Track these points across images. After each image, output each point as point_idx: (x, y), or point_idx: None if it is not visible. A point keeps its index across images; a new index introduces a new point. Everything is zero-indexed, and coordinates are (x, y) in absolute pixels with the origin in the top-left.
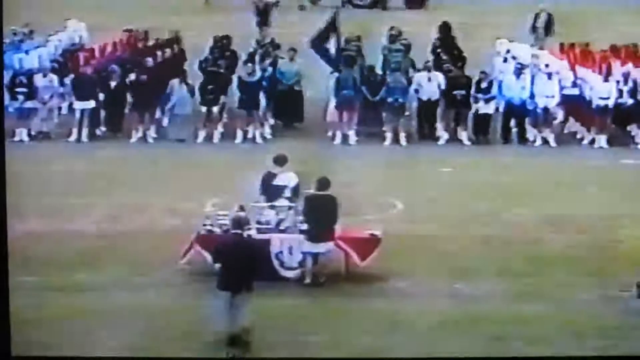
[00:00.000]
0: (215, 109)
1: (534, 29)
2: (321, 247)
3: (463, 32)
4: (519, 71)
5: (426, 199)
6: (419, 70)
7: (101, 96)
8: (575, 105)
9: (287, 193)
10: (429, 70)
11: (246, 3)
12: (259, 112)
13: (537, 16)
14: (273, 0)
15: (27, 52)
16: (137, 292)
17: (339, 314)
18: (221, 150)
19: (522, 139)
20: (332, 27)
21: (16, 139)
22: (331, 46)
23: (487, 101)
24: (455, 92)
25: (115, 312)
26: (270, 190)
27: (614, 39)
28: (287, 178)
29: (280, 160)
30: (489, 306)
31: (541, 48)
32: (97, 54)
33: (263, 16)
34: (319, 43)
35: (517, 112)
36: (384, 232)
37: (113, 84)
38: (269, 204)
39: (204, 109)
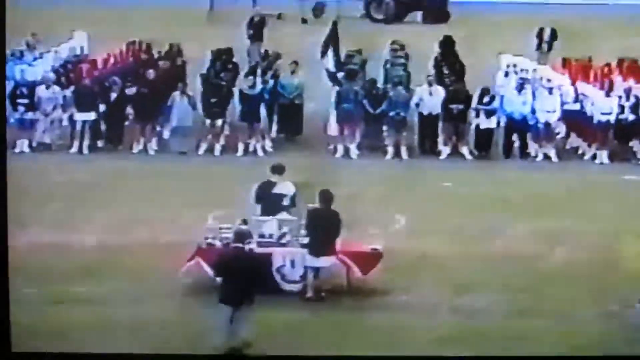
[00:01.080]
0: (216, 121)
1: (538, 43)
2: (323, 262)
3: (465, 46)
4: (520, 86)
5: (427, 214)
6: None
7: (102, 108)
8: (577, 120)
9: (286, 202)
10: (431, 84)
11: (248, 15)
12: (260, 125)
13: (541, 31)
14: (275, 13)
15: (29, 63)
16: (137, 304)
17: (340, 328)
18: (222, 163)
19: (524, 153)
20: (331, 39)
21: (17, 150)
22: (330, 59)
23: (488, 116)
24: (452, 106)
25: (115, 324)
26: (269, 199)
27: (616, 54)
28: (285, 187)
29: (278, 169)
30: (490, 321)
31: (543, 63)
32: (98, 65)
33: (256, 30)
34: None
35: (518, 126)
36: (385, 246)
37: (114, 95)
38: (269, 216)
39: (207, 121)
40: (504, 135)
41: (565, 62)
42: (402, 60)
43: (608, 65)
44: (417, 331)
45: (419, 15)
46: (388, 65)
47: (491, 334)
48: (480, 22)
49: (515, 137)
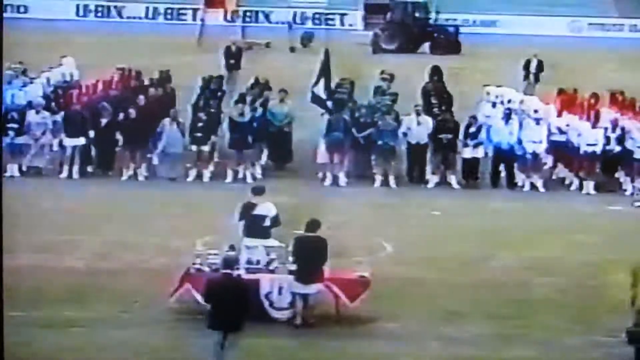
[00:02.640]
0: (205, 148)
1: (525, 75)
2: (311, 289)
3: (453, 76)
4: (507, 116)
5: (415, 242)
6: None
7: (92, 133)
8: (564, 151)
9: (267, 222)
10: (419, 114)
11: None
12: (249, 152)
13: (528, 62)
14: (264, 42)
15: (20, 88)
16: (126, 329)
17: (328, 355)
18: (211, 189)
19: (511, 183)
20: (324, 69)
21: (7, 174)
22: (321, 88)
23: (475, 146)
24: (441, 136)
25: (104, 349)
26: (250, 220)
27: (603, 86)
28: (266, 208)
29: (258, 191)
30: (477, 349)
31: (530, 94)
32: (88, 91)
33: (234, 59)
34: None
35: (505, 157)
36: (373, 274)
37: (104, 121)
38: (251, 237)
39: (194, 147)
40: (492, 165)
41: (552, 93)
42: (391, 90)
43: (594, 96)
44: (404, 359)
45: (427, 46)
46: (377, 95)
47: None
48: (469, 53)
49: (502, 167)
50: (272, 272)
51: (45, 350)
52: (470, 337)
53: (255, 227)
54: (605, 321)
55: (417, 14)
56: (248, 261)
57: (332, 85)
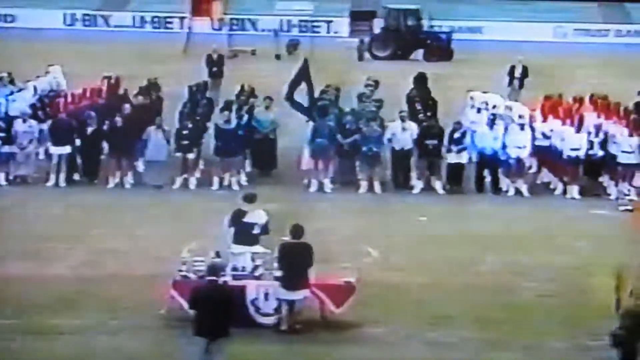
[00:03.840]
0: (190, 155)
1: (510, 80)
2: (296, 295)
3: (438, 82)
4: (492, 122)
5: (400, 247)
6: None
7: (78, 142)
8: (548, 156)
9: (257, 230)
10: (403, 120)
11: (224, 51)
12: (235, 159)
13: (512, 68)
14: (249, 49)
15: (6, 97)
16: (113, 336)
17: None
18: (197, 196)
19: (496, 189)
20: (302, 76)
21: None
22: (304, 95)
23: (459, 151)
24: (427, 142)
25: (92, 356)
26: (241, 227)
27: (587, 91)
28: (257, 216)
29: (249, 198)
30: (462, 353)
31: (515, 99)
32: (74, 99)
33: (217, 67)
34: (292, 96)
35: (490, 162)
36: (358, 279)
37: (89, 129)
38: (241, 244)
39: (180, 155)
40: (476, 170)
41: (537, 99)
42: (376, 96)
43: (578, 101)
44: None
45: (420, 53)
46: (361, 101)
47: None
48: (455, 59)
49: (486, 172)
50: (257, 278)
51: (34, 358)
52: (457, 342)
53: (244, 234)
54: (590, 325)
55: (409, 22)
56: (234, 268)
57: (316, 92)
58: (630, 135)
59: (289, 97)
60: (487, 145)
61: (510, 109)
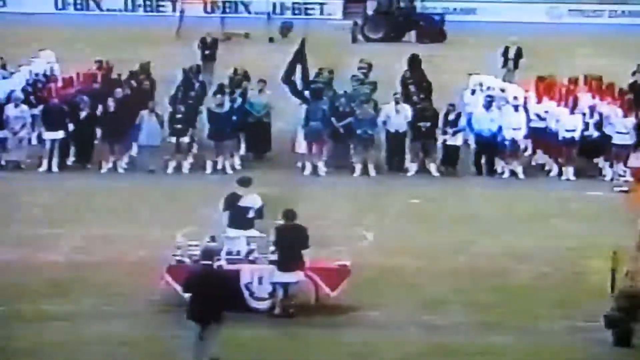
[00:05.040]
0: (184, 139)
1: (504, 61)
2: (291, 277)
3: (432, 64)
4: (488, 104)
5: (395, 230)
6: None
7: (71, 127)
8: (543, 137)
9: (252, 214)
10: (397, 103)
11: (217, 34)
12: (228, 143)
13: (507, 49)
14: (242, 32)
15: None
16: (106, 322)
17: (309, 344)
18: (191, 180)
19: (491, 170)
20: (298, 57)
21: None
22: (298, 78)
23: (454, 133)
24: (420, 124)
25: (84, 341)
26: (236, 211)
27: (582, 72)
28: (252, 200)
29: (244, 182)
30: (457, 336)
31: (509, 80)
32: (67, 84)
33: (210, 50)
34: (288, 77)
35: (487, 144)
36: (353, 262)
37: (82, 114)
38: (236, 228)
39: (173, 139)
40: (474, 153)
41: (531, 80)
42: (370, 79)
43: (573, 82)
44: (385, 347)
45: (413, 35)
46: (355, 84)
47: (459, 349)
48: (449, 41)
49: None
50: (252, 262)
51: (27, 344)
52: (451, 325)
53: (240, 218)
54: (585, 306)
55: (401, 3)
56: (228, 252)
57: (311, 75)
58: (625, 116)
59: (286, 79)
60: (485, 127)
61: (505, 90)
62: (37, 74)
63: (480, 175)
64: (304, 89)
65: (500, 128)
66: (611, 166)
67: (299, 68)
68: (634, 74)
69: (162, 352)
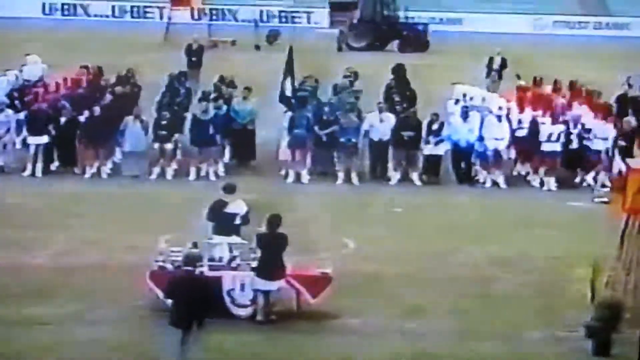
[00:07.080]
0: (168, 145)
1: (487, 72)
2: (272, 285)
3: (417, 74)
4: (465, 114)
5: (377, 238)
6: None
7: (54, 131)
8: (525, 147)
9: (238, 220)
10: (381, 111)
11: (204, 41)
12: (212, 150)
13: (491, 60)
14: (229, 39)
15: None
16: (90, 326)
17: (290, 351)
18: (174, 187)
19: (469, 180)
20: (287, 68)
21: None
22: (287, 86)
23: (437, 143)
24: (403, 133)
25: (70, 346)
26: (222, 218)
27: (565, 82)
28: (237, 206)
29: (229, 189)
30: (439, 344)
31: (494, 91)
32: (51, 89)
33: (196, 57)
34: (283, 94)
35: (464, 153)
36: (335, 270)
37: (63, 119)
38: (221, 235)
39: (157, 145)
40: (451, 161)
41: (515, 90)
42: (355, 87)
43: (556, 92)
44: (367, 354)
45: (395, 44)
46: (340, 92)
47: (441, 356)
48: (435, 50)
49: (463, 164)
50: (234, 269)
51: (11, 348)
52: (433, 333)
53: (225, 225)
54: (566, 316)
55: (385, 12)
56: (211, 258)
57: (296, 83)
58: (613, 125)
59: (282, 98)
60: (461, 137)
61: (489, 100)
62: (24, 80)
63: (461, 184)
64: (290, 97)
65: (481, 138)
66: (593, 177)
67: (287, 77)
68: (626, 85)
69: (147, 357)
